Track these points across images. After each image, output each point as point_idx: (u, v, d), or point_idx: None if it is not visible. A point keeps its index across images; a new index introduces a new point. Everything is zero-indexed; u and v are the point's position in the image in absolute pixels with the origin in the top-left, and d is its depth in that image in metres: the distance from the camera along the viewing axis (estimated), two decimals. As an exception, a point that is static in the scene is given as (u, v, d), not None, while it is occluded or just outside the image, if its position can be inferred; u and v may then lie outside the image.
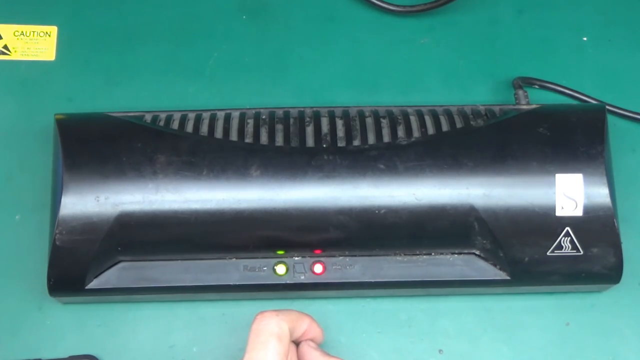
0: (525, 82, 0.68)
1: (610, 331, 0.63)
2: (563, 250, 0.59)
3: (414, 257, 0.61)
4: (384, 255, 0.61)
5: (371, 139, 0.60)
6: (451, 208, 0.58)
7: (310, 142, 0.60)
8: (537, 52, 0.70)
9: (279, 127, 0.61)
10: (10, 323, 0.63)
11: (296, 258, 0.61)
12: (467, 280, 0.61)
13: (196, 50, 0.70)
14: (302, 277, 0.61)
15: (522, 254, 0.59)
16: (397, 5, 0.71)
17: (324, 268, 0.61)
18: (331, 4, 0.72)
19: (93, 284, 0.60)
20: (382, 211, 0.58)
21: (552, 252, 0.59)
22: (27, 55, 0.70)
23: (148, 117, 0.62)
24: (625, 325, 0.64)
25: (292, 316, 0.55)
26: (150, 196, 0.58)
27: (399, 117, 0.61)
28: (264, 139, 0.60)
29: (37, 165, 0.66)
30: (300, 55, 0.70)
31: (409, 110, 0.62)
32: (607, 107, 0.66)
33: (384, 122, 0.61)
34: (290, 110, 0.63)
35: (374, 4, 0.70)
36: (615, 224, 0.59)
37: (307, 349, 0.56)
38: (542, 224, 0.59)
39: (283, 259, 0.61)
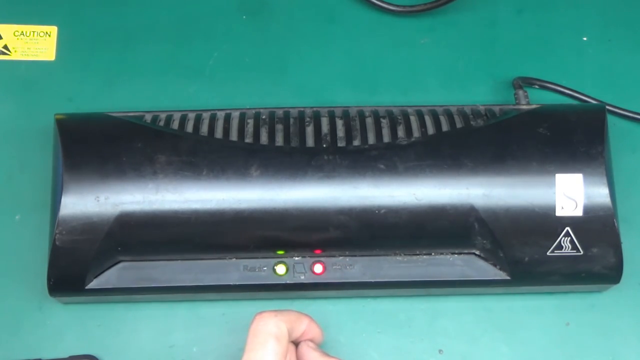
0: (525, 82, 0.68)
1: (610, 331, 0.63)
2: (563, 250, 0.59)
3: (414, 257, 0.61)
4: (384, 255, 0.61)
5: (371, 139, 0.60)
6: (451, 208, 0.58)
7: (310, 142, 0.60)
8: (537, 52, 0.70)
9: (279, 127, 0.61)
10: (10, 323, 0.63)
11: (296, 258, 0.61)
12: (467, 280, 0.61)
13: (196, 50, 0.70)
14: (302, 277, 0.61)
15: (522, 254, 0.59)
16: (397, 5, 0.71)
17: (324, 268, 0.61)
18: (331, 4, 0.72)
19: (93, 284, 0.60)
20: (382, 211, 0.58)
21: (552, 252, 0.59)
22: (27, 55, 0.70)
23: (148, 117, 0.62)
24: (625, 325, 0.64)
25: (291, 316, 0.55)
26: (150, 196, 0.58)
27: (399, 117, 0.61)
28: (264, 139, 0.60)
29: (37, 165, 0.66)
30: (300, 55, 0.70)
31: (409, 110, 0.62)
32: (607, 107, 0.66)
33: (384, 122, 0.61)
34: (290, 110, 0.63)
35: (374, 4, 0.70)
36: (615, 224, 0.59)
37: (306, 349, 0.56)
38: (542, 224, 0.59)
39: (283, 259, 0.61)
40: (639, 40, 0.71)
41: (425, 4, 0.70)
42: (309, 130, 0.61)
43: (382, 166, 0.59)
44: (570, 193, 0.59)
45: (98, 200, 0.58)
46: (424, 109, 0.62)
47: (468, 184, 0.58)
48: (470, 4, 0.71)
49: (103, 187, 0.58)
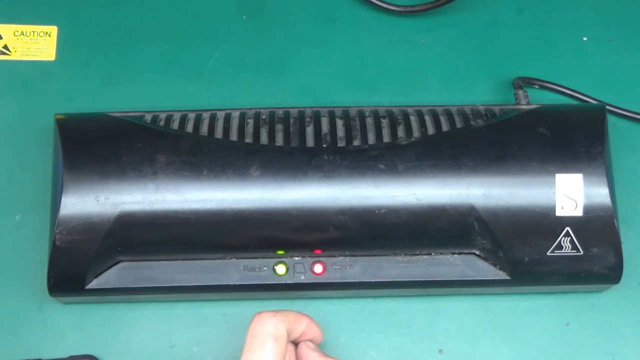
0: (525, 82, 0.68)
1: (610, 331, 0.63)
2: (563, 250, 0.59)
3: (414, 257, 0.61)
4: (384, 255, 0.61)
5: (371, 139, 0.60)
6: (451, 208, 0.58)
7: (310, 142, 0.60)
8: (537, 52, 0.70)
9: (279, 127, 0.61)
10: (10, 323, 0.63)
11: (296, 258, 0.61)
12: (467, 280, 0.61)
13: (196, 50, 0.70)
14: (302, 277, 0.61)
15: (522, 254, 0.59)
16: (397, 5, 0.71)
17: (324, 268, 0.61)
18: (331, 4, 0.72)
19: (93, 284, 0.60)
20: (382, 211, 0.58)
21: (552, 252, 0.59)
22: (27, 55, 0.70)
23: (148, 117, 0.62)
24: (625, 325, 0.64)
25: (290, 317, 0.55)
26: (150, 196, 0.58)
27: (399, 117, 0.61)
28: (264, 139, 0.60)
29: (37, 165, 0.66)
30: (300, 55, 0.70)
31: (409, 110, 0.62)
32: (607, 107, 0.66)
33: (384, 122, 0.61)
34: (290, 110, 0.63)
35: (374, 4, 0.70)
36: (615, 224, 0.59)
37: (306, 350, 0.56)
38: (542, 224, 0.59)
39: (283, 259, 0.61)
40: (639, 40, 0.71)
41: (425, 4, 0.70)
42: (309, 130, 0.61)
43: (382, 166, 0.59)
44: (570, 193, 0.59)
45: (98, 200, 0.58)
46: (424, 109, 0.62)
47: (468, 184, 0.58)
48: (470, 4, 0.71)
49: (103, 187, 0.58)
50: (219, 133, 0.61)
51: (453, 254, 0.61)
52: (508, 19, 0.71)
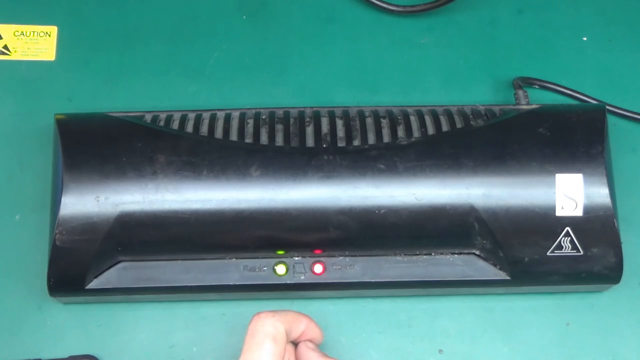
0: (525, 82, 0.68)
1: (610, 331, 0.63)
2: (563, 250, 0.59)
3: (414, 257, 0.61)
4: (384, 255, 0.61)
5: (371, 139, 0.60)
6: (451, 208, 0.58)
7: (310, 142, 0.60)
8: (537, 52, 0.70)
9: (279, 127, 0.61)
10: (10, 323, 0.63)
11: (296, 258, 0.61)
12: (467, 280, 0.61)
13: (196, 50, 0.70)
14: (302, 277, 0.61)
15: (522, 254, 0.59)
16: (397, 5, 0.71)
17: (324, 268, 0.61)
18: (331, 4, 0.72)
19: (93, 284, 0.60)
20: (382, 211, 0.58)
21: (552, 252, 0.59)
22: (27, 55, 0.70)
23: (148, 117, 0.62)
24: (625, 325, 0.64)
25: (289, 317, 0.55)
26: (150, 196, 0.58)
27: (399, 117, 0.61)
28: (264, 139, 0.60)
29: (37, 165, 0.66)
30: (300, 55, 0.70)
31: (409, 110, 0.62)
32: (607, 107, 0.66)
33: (384, 122, 0.61)
34: (290, 110, 0.63)
35: (374, 4, 0.70)
36: (615, 224, 0.59)
37: (305, 350, 0.56)
38: (542, 224, 0.59)
39: (283, 259, 0.61)
40: (639, 40, 0.71)
41: (425, 4, 0.70)
42: (309, 130, 0.61)
43: (382, 166, 0.59)
44: (570, 193, 0.59)
45: (98, 200, 0.58)
46: (424, 109, 0.62)
47: (468, 184, 0.58)
48: (470, 4, 0.71)
49: (103, 187, 0.58)
50: (219, 133, 0.61)
51: (453, 254, 0.61)
52: (508, 19, 0.71)
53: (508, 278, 0.60)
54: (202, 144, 0.60)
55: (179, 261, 0.61)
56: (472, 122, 0.61)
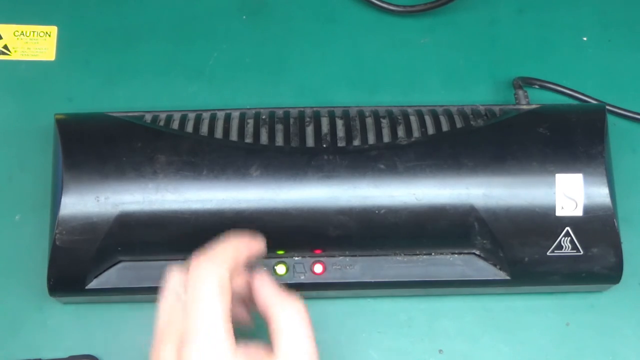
0: (525, 82, 0.68)
1: (610, 331, 0.63)
2: (563, 250, 0.59)
3: (414, 257, 0.61)
4: (384, 255, 0.61)
5: (371, 139, 0.60)
6: (451, 208, 0.58)
7: (310, 142, 0.60)
8: (537, 52, 0.70)
9: (279, 127, 0.61)
10: (10, 323, 0.63)
11: (296, 258, 0.61)
12: (467, 280, 0.61)
13: (196, 50, 0.70)
14: (302, 277, 0.61)
15: (522, 254, 0.59)
16: (397, 5, 0.71)
17: (324, 268, 0.61)
18: (331, 4, 0.72)
19: (93, 284, 0.60)
20: (382, 211, 0.58)
21: (552, 252, 0.59)
22: (27, 55, 0.70)
23: (148, 117, 0.62)
24: (625, 325, 0.64)
25: (228, 252, 0.51)
26: (150, 196, 0.58)
27: (399, 117, 0.61)
28: (264, 139, 0.60)
29: (37, 165, 0.66)
30: (300, 55, 0.70)
31: (409, 110, 0.62)
32: (607, 107, 0.66)
33: (384, 122, 0.61)
34: (290, 110, 0.63)
35: (374, 4, 0.70)
36: (615, 224, 0.59)
37: (261, 284, 0.53)
38: (542, 224, 0.59)
39: (283, 259, 0.61)
40: (639, 40, 0.71)
41: (425, 4, 0.70)
42: (309, 130, 0.61)
43: (382, 166, 0.59)
44: (570, 193, 0.59)
45: (98, 200, 0.58)
46: (424, 109, 0.62)
47: (468, 184, 0.58)
48: (470, 4, 0.71)
49: (103, 187, 0.58)
50: (219, 133, 0.61)
51: (453, 254, 0.61)
52: (508, 19, 0.71)
53: (508, 278, 0.60)
54: (202, 144, 0.60)
55: (179, 261, 0.61)
56: (472, 122, 0.61)
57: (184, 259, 0.60)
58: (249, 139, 0.60)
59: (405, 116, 0.61)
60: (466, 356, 0.63)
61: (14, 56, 0.70)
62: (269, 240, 0.59)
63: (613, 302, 0.64)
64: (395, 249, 0.61)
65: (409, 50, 0.70)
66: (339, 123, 0.61)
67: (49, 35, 0.70)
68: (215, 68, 0.69)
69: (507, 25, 0.71)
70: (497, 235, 0.59)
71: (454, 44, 0.71)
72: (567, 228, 0.59)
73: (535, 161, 0.59)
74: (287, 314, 0.51)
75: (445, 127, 0.61)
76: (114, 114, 0.62)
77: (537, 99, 0.67)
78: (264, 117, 0.62)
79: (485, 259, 0.61)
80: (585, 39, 0.71)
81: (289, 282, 0.61)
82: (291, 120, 0.61)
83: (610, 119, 0.66)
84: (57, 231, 0.58)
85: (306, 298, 0.63)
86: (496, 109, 0.63)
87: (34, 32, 0.70)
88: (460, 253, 0.61)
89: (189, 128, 0.61)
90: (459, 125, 0.61)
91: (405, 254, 0.61)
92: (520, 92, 0.65)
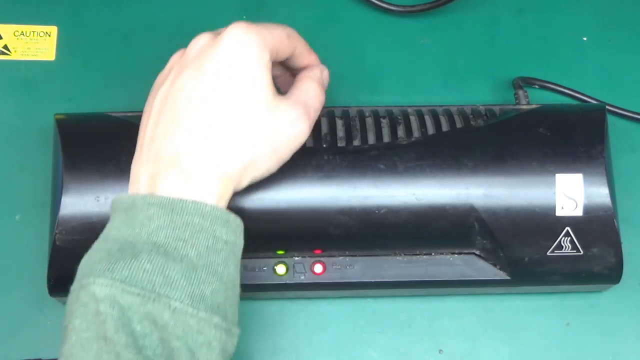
0: (525, 82, 0.68)
1: (610, 331, 0.63)
2: (563, 250, 0.59)
3: (414, 257, 0.61)
4: (384, 255, 0.61)
5: (371, 139, 0.60)
6: (451, 208, 0.58)
7: (310, 142, 0.60)
8: (537, 52, 0.71)
9: (279, 127, 0.61)
10: (10, 323, 0.63)
11: (296, 258, 0.61)
12: (467, 280, 0.61)
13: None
14: (302, 277, 0.61)
15: (522, 254, 0.59)
16: (397, 5, 0.71)
17: (324, 268, 0.61)
18: (331, 4, 0.72)
19: (93, 284, 0.60)
20: (382, 211, 0.58)
21: (552, 252, 0.59)
22: (27, 55, 0.70)
23: (148, 117, 0.62)
24: (625, 325, 0.64)
25: (276, 32, 0.54)
26: (150, 196, 0.58)
27: (399, 117, 0.61)
28: (264, 139, 0.60)
29: (37, 165, 0.66)
30: (300, 55, 0.70)
31: (409, 110, 0.62)
32: (607, 107, 0.66)
33: (384, 122, 0.61)
34: (290, 110, 0.63)
35: (374, 4, 0.70)
36: (615, 224, 0.59)
37: (310, 83, 0.56)
38: (542, 224, 0.59)
39: (283, 259, 0.61)
40: (639, 40, 0.71)
41: (425, 4, 0.70)
42: (309, 130, 0.61)
43: (382, 166, 0.59)
44: (570, 193, 0.59)
45: (98, 200, 0.58)
46: (424, 109, 0.62)
47: (468, 184, 0.58)
48: (470, 4, 0.71)
49: (103, 187, 0.58)
50: (219, 133, 0.60)
51: (453, 254, 0.61)
52: (508, 19, 0.71)
53: (508, 278, 0.60)
54: (202, 144, 0.59)
55: (179, 261, 0.61)
56: (472, 122, 0.61)
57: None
58: (249, 139, 0.60)
59: (405, 116, 0.61)
60: (466, 356, 0.63)
61: (14, 56, 0.70)
62: (269, 240, 0.60)
63: (613, 302, 0.64)
64: (395, 249, 0.61)
65: (409, 50, 0.70)
66: (339, 123, 0.61)
67: (49, 35, 0.70)
68: (215, 68, 0.69)
69: (507, 25, 0.71)
70: (497, 235, 0.59)
71: (454, 44, 0.71)
72: (567, 228, 0.59)
73: (535, 161, 0.59)
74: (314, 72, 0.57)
75: (445, 127, 0.61)
76: (114, 114, 0.62)
77: (537, 99, 0.67)
78: (264, 117, 0.62)
79: (485, 259, 0.61)
80: (585, 39, 0.71)
81: (288, 282, 0.61)
82: (291, 120, 0.61)
83: (610, 119, 0.66)
84: (57, 231, 0.58)
85: (306, 298, 0.63)
86: (496, 109, 0.63)
87: (34, 32, 0.70)
88: (460, 253, 0.61)
89: (189, 128, 0.61)
90: (459, 125, 0.61)
91: (405, 254, 0.61)
92: (520, 92, 0.65)
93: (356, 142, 0.60)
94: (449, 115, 0.62)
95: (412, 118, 0.61)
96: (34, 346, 0.62)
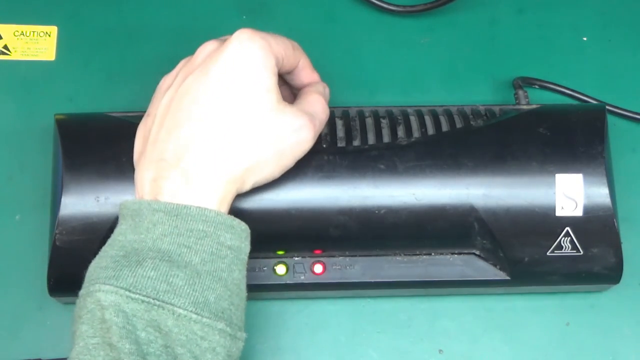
0: (525, 82, 0.68)
1: (610, 331, 0.63)
2: (563, 250, 0.59)
3: (414, 257, 0.61)
4: (384, 255, 0.61)
5: (371, 139, 0.60)
6: (451, 208, 0.58)
7: (310, 142, 0.60)
8: (537, 52, 0.70)
9: (279, 127, 0.61)
10: (10, 323, 0.63)
11: (296, 258, 0.61)
12: (467, 280, 0.61)
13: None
14: (302, 277, 0.61)
15: (522, 254, 0.59)
16: (397, 5, 0.71)
17: (324, 268, 0.61)
18: (331, 4, 0.72)
19: (93, 284, 0.60)
20: (382, 211, 0.58)
21: (552, 252, 0.59)
22: (27, 55, 0.70)
23: (148, 117, 0.62)
24: (625, 325, 0.64)
25: (281, 42, 0.55)
26: (150, 196, 0.58)
27: (399, 117, 0.61)
28: (264, 139, 0.60)
29: (37, 165, 0.66)
30: (300, 55, 0.70)
31: (409, 110, 0.62)
32: (607, 107, 0.66)
33: (384, 122, 0.61)
34: (290, 110, 0.63)
35: (374, 4, 0.70)
36: (615, 224, 0.59)
37: (317, 96, 0.56)
38: (542, 224, 0.59)
39: (283, 259, 0.61)
40: (639, 40, 0.71)
41: (425, 4, 0.70)
42: (309, 130, 0.61)
43: (382, 166, 0.59)
44: (570, 193, 0.59)
45: (98, 200, 0.58)
46: (424, 109, 0.62)
47: (468, 184, 0.58)
48: (470, 4, 0.71)
49: (103, 187, 0.58)
50: (219, 133, 0.60)
51: (453, 254, 0.61)
52: (508, 19, 0.71)
53: (508, 278, 0.60)
54: (202, 144, 0.59)
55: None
56: (472, 122, 0.61)
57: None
58: (249, 139, 0.60)
59: (405, 116, 0.61)
60: (466, 356, 0.63)
61: (14, 56, 0.70)
62: (269, 240, 0.60)
63: (613, 302, 0.64)
64: (395, 249, 0.61)
65: (409, 50, 0.70)
66: (339, 123, 0.61)
67: (49, 35, 0.70)
68: (215, 68, 0.69)
69: (507, 25, 0.71)
70: (497, 235, 0.59)
71: (454, 44, 0.71)
72: (567, 228, 0.59)
73: (535, 161, 0.59)
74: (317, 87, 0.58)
75: (445, 127, 0.61)
76: (114, 114, 0.62)
77: (537, 99, 0.67)
78: (264, 117, 0.62)
79: (485, 259, 0.61)
80: (585, 39, 0.71)
81: (289, 282, 0.61)
82: (291, 120, 0.61)
83: (610, 119, 0.66)
84: (57, 231, 0.58)
85: (306, 298, 0.63)
86: (496, 109, 0.63)
87: (34, 32, 0.70)
88: (460, 253, 0.61)
89: (189, 128, 0.61)
90: (458, 125, 0.61)
91: (405, 254, 0.61)
92: (520, 92, 0.65)
93: (356, 143, 0.60)
94: (449, 115, 0.62)
95: (412, 118, 0.61)
96: (34, 346, 0.62)
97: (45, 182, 0.63)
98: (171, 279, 0.48)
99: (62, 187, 0.58)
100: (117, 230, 0.52)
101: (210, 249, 0.49)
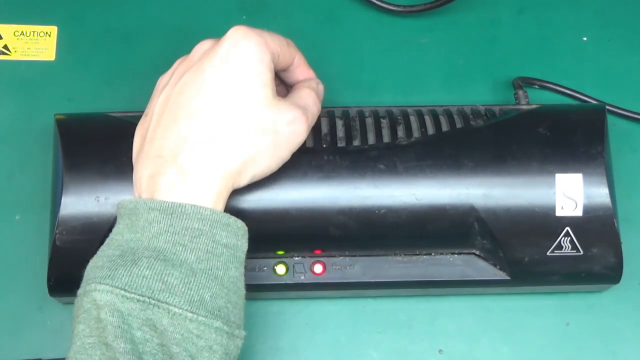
0: (525, 82, 0.68)
1: (610, 331, 0.63)
2: (563, 250, 0.59)
3: (414, 257, 0.61)
4: (384, 255, 0.61)
5: (371, 139, 0.60)
6: (451, 208, 0.58)
7: (310, 142, 0.60)
8: (537, 52, 0.70)
9: (279, 127, 0.61)
10: (10, 323, 0.63)
11: (296, 258, 0.61)
12: (467, 280, 0.61)
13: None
14: (302, 277, 0.61)
15: (522, 254, 0.59)
16: (397, 5, 0.71)
17: (324, 268, 0.61)
18: (331, 4, 0.72)
19: (93, 284, 0.60)
20: (382, 211, 0.58)
21: (552, 252, 0.59)
22: (27, 55, 0.70)
23: (148, 117, 0.62)
24: (625, 325, 0.64)
25: (275, 40, 0.55)
26: (150, 196, 0.58)
27: (399, 117, 0.61)
28: (264, 139, 0.60)
29: (37, 165, 0.66)
30: (300, 55, 0.70)
31: (409, 110, 0.62)
32: (607, 107, 0.66)
33: (384, 122, 0.61)
34: (290, 110, 0.63)
35: (374, 4, 0.70)
36: (615, 224, 0.59)
37: (308, 91, 0.57)
38: (542, 224, 0.59)
39: (283, 259, 0.61)
40: (639, 40, 0.71)
41: (425, 4, 0.70)
42: (309, 130, 0.61)
43: (382, 166, 0.59)
44: (570, 193, 0.59)
45: (98, 201, 0.58)
46: (424, 109, 0.62)
47: (468, 184, 0.58)
48: (470, 4, 0.71)
49: (103, 187, 0.58)
50: (219, 133, 0.60)
51: (453, 254, 0.61)
52: (508, 19, 0.71)
53: (508, 278, 0.60)
54: (202, 144, 0.59)
55: (179, 261, 0.61)
56: (472, 122, 0.61)
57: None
58: (249, 139, 0.60)
59: (405, 116, 0.61)
60: (466, 356, 0.63)
61: (14, 56, 0.70)
62: (269, 240, 0.60)
63: (613, 302, 0.64)
64: (395, 249, 0.61)
65: (409, 50, 0.70)
66: (339, 123, 0.61)
67: (49, 35, 0.70)
68: (215, 68, 0.69)
69: (507, 25, 0.71)
70: (497, 235, 0.59)
71: (454, 44, 0.71)
72: (567, 228, 0.59)
73: (535, 161, 0.59)
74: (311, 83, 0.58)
75: (445, 127, 0.61)
76: (114, 114, 0.62)
77: (537, 99, 0.67)
78: (264, 117, 0.62)
79: (485, 259, 0.61)
80: (585, 39, 0.71)
81: (289, 282, 0.61)
82: (291, 120, 0.61)
83: (610, 119, 0.66)
84: (57, 231, 0.58)
85: (306, 298, 0.63)
86: (496, 109, 0.63)
87: (34, 32, 0.70)
88: (460, 253, 0.61)
89: (189, 128, 0.61)
90: (458, 125, 0.61)
91: (405, 254, 0.61)
92: (520, 92, 0.65)
93: (356, 142, 0.60)
94: (449, 116, 0.62)
95: (412, 118, 0.61)
96: (34, 346, 0.62)
97: (45, 182, 0.63)
98: (166, 278, 0.48)
99: (62, 187, 0.58)
100: (114, 230, 0.52)
101: (206, 247, 0.50)
